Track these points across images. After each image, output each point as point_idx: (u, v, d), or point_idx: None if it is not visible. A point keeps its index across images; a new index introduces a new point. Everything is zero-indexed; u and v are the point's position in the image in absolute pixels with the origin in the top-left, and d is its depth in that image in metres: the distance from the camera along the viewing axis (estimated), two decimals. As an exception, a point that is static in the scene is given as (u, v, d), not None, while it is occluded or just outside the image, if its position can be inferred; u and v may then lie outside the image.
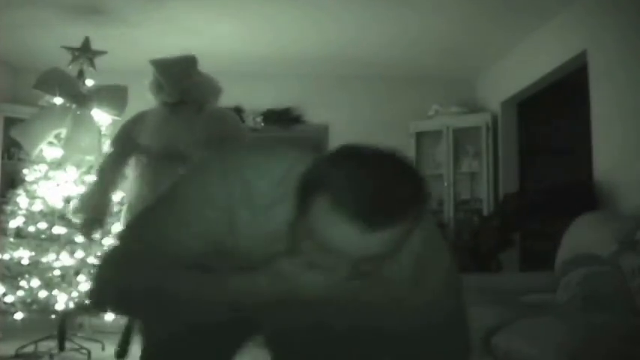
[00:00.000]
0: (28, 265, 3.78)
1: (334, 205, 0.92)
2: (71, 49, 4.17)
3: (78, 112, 3.98)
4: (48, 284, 3.76)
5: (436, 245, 1.25)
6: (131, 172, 3.33)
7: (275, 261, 1.06)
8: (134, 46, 4.84)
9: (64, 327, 3.92)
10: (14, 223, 3.87)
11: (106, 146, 3.69)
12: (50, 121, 4.01)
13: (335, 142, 5.84)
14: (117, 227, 3.95)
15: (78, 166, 4.02)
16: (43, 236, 3.83)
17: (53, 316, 3.88)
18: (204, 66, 3.36)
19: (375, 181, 0.93)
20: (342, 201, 0.92)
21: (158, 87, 3.23)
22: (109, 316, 3.95)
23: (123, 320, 3.87)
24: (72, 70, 4.18)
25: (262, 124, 5.75)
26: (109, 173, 3.33)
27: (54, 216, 3.87)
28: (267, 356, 1.48)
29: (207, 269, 1.12)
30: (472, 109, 5.70)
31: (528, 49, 4.86)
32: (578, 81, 4.19)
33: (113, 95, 4.06)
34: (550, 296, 2.87)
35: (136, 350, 3.53)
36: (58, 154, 4.02)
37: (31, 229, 3.84)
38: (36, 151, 4.03)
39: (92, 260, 3.87)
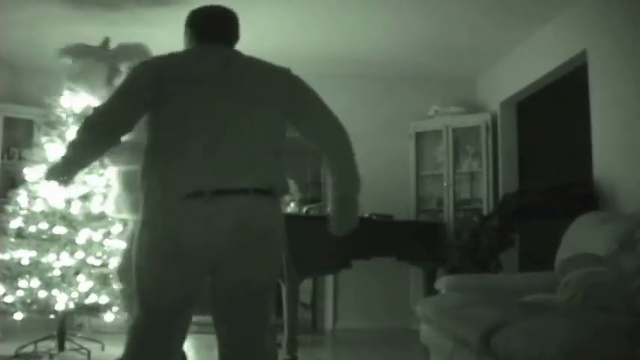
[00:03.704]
0: (29, 265, 3.78)
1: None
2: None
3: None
4: (48, 284, 3.76)
5: None
6: None
7: None
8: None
9: (63, 327, 3.92)
10: (15, 223, 3.87)
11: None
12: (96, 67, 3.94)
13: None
14: (118, 228, 3.95)
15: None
16: (43, 236, 3.82)
17: (53, 316, 3.88)
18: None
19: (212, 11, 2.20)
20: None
21: None
22: (109, 317, 3.95)
23: (122, 321, 3.86)
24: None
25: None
26: None
27: (55, 216, 3.87)
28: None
29: None
30: (472, 109, 5.70)
31: (528, 49, 4.86)
32: (577, 81, 4.19)
33: (134, 51, 3.88)
34: (550, 296, 2.87)
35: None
36: (60, 153, 4.01)
37: (32, 229, 3.84)
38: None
39: (92, 261, 3.87)
